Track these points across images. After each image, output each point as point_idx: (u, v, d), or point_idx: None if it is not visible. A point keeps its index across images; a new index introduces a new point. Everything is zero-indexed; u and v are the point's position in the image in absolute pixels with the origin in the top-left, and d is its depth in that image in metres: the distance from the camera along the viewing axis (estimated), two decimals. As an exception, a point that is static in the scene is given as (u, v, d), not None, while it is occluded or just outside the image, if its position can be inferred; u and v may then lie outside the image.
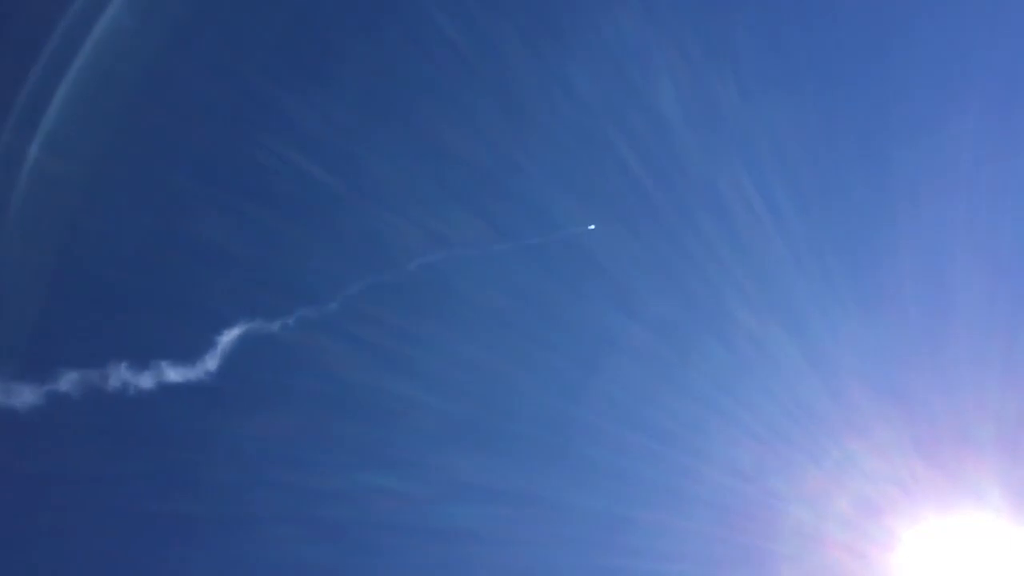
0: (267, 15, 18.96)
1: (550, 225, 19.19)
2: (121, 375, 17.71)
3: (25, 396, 17.38)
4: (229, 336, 18.03)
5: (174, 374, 17.79)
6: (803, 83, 19.12)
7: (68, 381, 17.49)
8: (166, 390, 17.89)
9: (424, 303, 19.34)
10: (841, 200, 19.37)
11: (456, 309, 19.44)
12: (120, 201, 18.73)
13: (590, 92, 19.05)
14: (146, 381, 17.81)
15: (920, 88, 19.15)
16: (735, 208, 19.02)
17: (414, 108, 19.22)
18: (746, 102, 18.88)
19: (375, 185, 19.08)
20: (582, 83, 19.06)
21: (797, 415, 19.04)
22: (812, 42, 19.37)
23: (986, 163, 18.54)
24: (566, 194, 19.32)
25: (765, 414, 19.11)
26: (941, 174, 18.76)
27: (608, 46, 18.83)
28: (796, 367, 19.03)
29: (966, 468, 18.06)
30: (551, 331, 19.52)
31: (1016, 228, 18.75)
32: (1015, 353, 18.17)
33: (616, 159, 18.93)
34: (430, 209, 19.06)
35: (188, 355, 17.86)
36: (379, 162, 19.00)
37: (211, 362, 17.93)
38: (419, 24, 18.83)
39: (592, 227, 19.02)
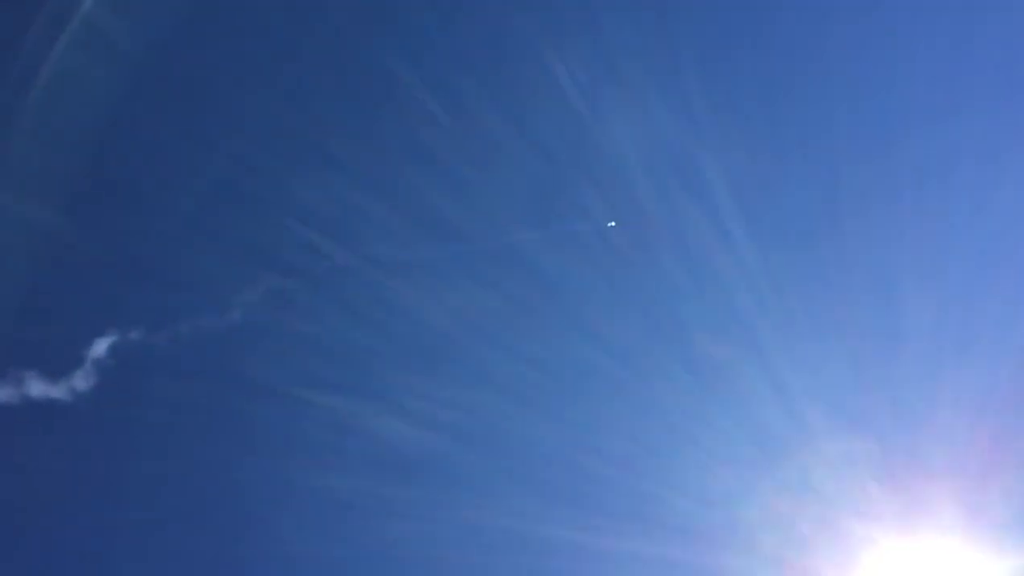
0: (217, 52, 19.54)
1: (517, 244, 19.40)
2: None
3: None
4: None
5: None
6: (770, 107, 19.18)
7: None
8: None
9: (373, 316, 19.74)
10: (801, 224, 19.28)
11: (416, 327, 19.77)
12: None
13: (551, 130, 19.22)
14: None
15: (888, 111, 19.12)
16: (706, 237, 19.12)
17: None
18: (718, 124, 18.98)
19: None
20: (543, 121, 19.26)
21: (763, 439, 19.01)
22: (776, 65, 19.49)
23: (952, 192, 18.45)
24: (530, 219, 19.55)
25: (734, 439, 19.12)
26: (906, 199, 18.61)
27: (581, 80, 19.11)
28: (764, 394, 19.03)
29: (936, 493, 17.85)
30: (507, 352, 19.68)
31: (982, 248, 18.59)
32: (985, 376, 18.00)
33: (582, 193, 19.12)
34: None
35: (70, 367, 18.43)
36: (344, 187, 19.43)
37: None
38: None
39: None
